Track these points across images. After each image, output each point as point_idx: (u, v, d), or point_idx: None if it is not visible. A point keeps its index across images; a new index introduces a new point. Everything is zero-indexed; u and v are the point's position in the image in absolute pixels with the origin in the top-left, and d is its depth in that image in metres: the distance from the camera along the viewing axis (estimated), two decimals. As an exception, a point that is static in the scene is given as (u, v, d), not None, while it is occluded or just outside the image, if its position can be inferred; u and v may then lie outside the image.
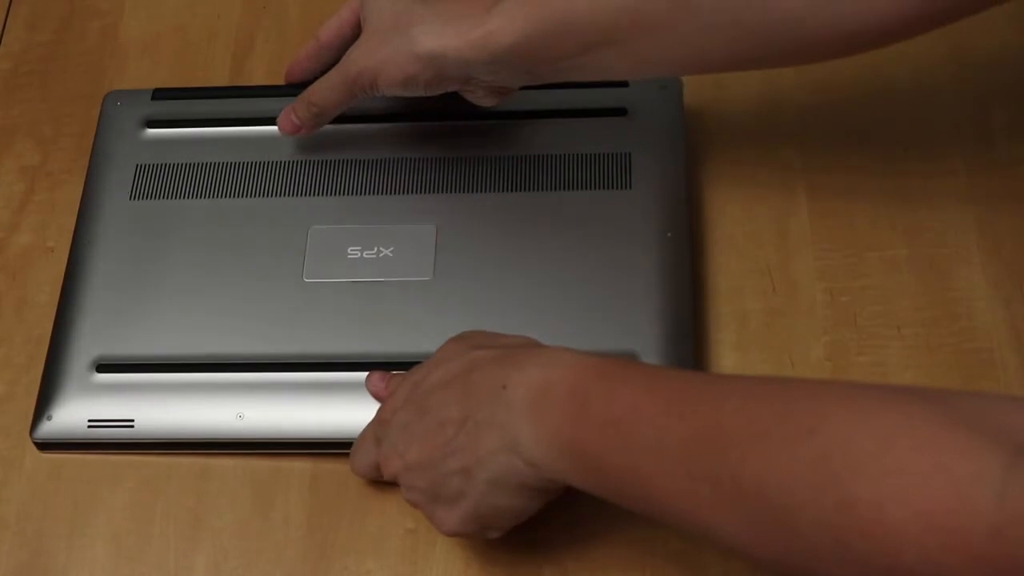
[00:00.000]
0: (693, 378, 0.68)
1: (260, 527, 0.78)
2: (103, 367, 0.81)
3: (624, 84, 0.88)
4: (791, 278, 0.85)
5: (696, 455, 0.60)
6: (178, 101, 0.91)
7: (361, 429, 0.77)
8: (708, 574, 0.75)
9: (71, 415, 0.80)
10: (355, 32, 0.85)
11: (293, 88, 0.89)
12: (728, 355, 0.82)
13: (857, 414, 0.56)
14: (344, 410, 0.78)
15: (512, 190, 0.86)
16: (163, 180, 0.88)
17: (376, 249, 0.84)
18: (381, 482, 0.77)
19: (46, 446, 0.81)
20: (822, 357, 0.81)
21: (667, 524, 0.64)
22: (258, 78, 0.95)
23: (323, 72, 0.87)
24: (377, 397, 0.78)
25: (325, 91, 0.84)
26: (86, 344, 0.82)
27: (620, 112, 0.88)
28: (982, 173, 0.88)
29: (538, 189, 0.85)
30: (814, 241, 0.86)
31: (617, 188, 0.85)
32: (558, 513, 0.72)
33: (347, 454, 0.77)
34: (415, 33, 0.78)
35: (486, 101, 0.82)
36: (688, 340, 0.80)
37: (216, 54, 0.97)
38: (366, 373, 0.79)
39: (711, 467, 0.59)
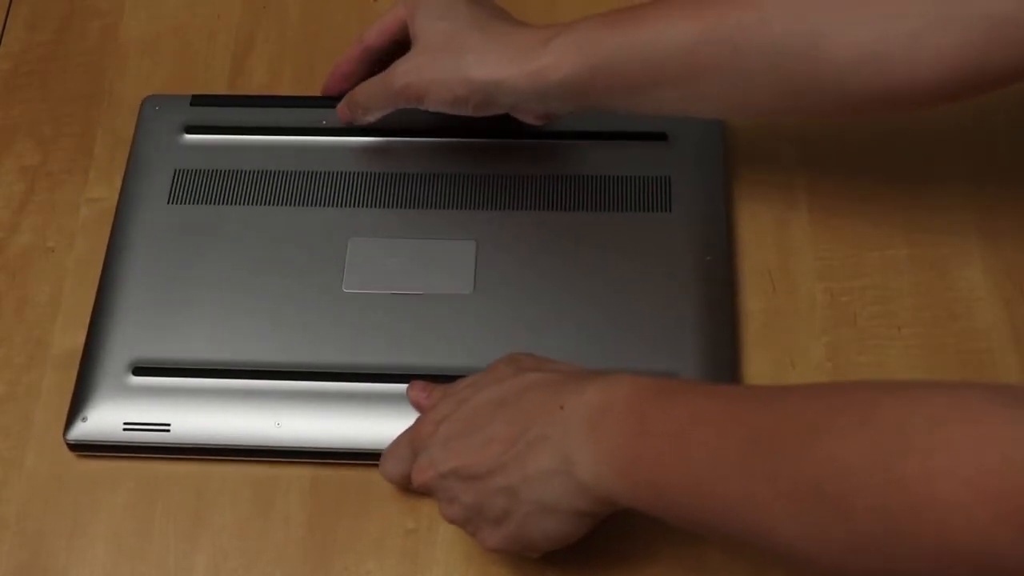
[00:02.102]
0: (748, 389, 0.69)
1: (260, 527, 0.78)
2: (139, 370, 0.81)
3: None
4: (791, 278, 0.85)
5: (753, 455, 0.60)
6: (217, 108, 0.91)
7: None
8: None
9: (106, 417, 0.79)
10: (400, 37, 0.85)
11: (332, 100, 0.89)
12: (728, 355, 0.82)
13: (909, 400, 0.57)
14: (382, 421, 0.78)
15: (552, 209, 0.85)
16: (202, 185, 0.87)
17: (416, 262, 0.83)
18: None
19: (80, 447, 0.80)
20: (822, 357, 0.81)
21: (723, 538, 0.65)
22: (258, 78, 0.95)
23: (367, 75, 0.87)
24: (418, 406, 0.77)
25: (370, 95, 0.85)
26: (122, 346, 0.81)
27: (661, 137, 0.88)
28: (982, 173, 0.88)
29: (578, 209, 0.85)
30: (814, 241, 0.86)
31: (657, 211, 0.85)
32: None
33: (375, 465, 0.77)
34: (469, 60, 0.79)
35: (533, 122, 0.83)
36: (728, 362, 0.80)
37: (216, 54, 0.97)
38: (404, 385, 0.78)
39: (768, 465, 0.59)
